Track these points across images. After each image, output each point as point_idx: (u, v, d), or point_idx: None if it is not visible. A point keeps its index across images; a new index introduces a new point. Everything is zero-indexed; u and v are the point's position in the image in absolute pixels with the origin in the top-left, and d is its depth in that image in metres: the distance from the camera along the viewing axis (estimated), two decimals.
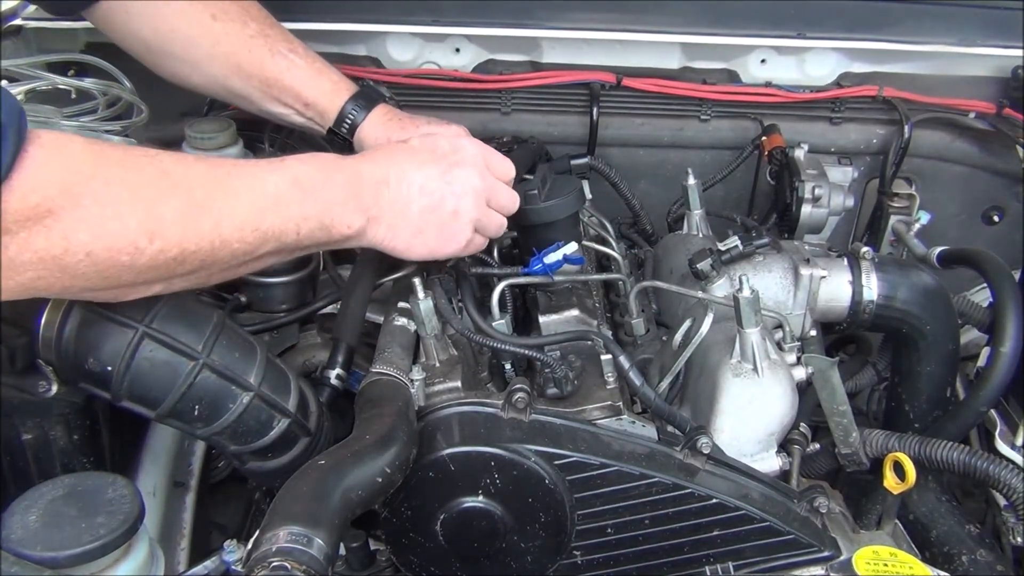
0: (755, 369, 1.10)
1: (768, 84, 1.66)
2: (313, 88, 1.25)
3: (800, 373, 1.16)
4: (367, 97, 1.27)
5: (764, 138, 1.65)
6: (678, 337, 1.19)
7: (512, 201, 1.15)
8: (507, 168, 1.15)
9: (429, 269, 1.23)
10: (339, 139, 1.27)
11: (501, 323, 1.18)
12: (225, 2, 1.22)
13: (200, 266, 0.87)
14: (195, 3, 1.20)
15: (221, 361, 0.96)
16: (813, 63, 1.64)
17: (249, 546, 0.83)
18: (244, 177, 0.91)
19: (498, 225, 1.14)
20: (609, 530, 1.09)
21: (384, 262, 1.27)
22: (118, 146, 0.84)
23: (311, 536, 0.80)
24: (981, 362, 1.32)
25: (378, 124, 1.26)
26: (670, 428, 1.11)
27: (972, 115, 1.66)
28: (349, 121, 1.25)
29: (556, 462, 1.05)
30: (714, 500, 1.06)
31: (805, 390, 1.20)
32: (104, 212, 0.77)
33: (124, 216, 0.79)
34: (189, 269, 0.86)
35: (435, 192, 1.05)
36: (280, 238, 0.92)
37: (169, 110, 1.51)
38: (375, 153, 1.08)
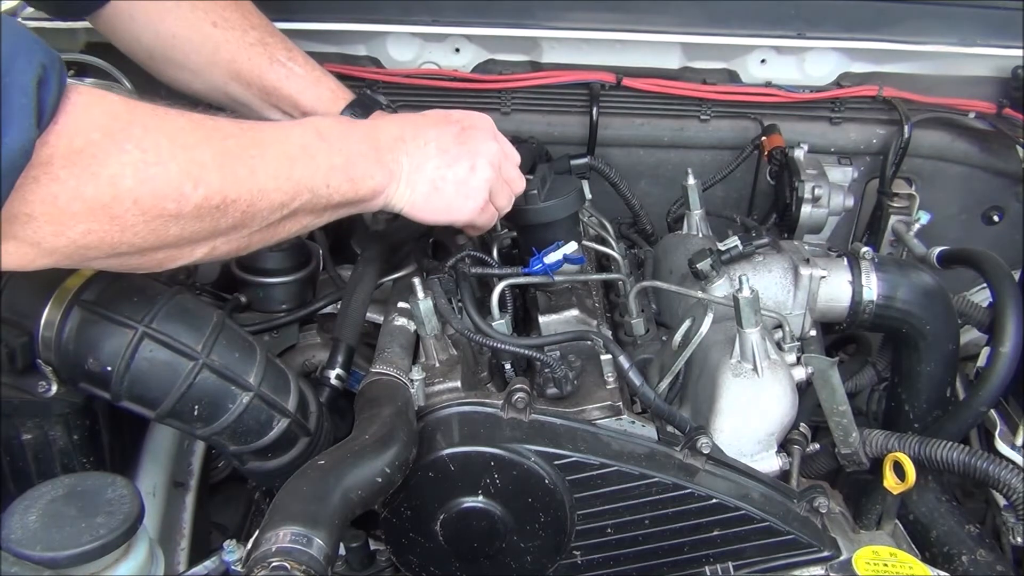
0: (755, 369, 1.10)
1: (768, 84, 1.66)
2: (311, 96, 1.26)
3: (800, 373, 1.16)
4: (363, 105, 1.28)
5: (764, 138, 1.65)
6: (678, 337, 1.19)
7: (519, 179, 1.17)
8: (513, 150, 1.17)
9: (429, 269, 1.23)
10: None
11: (501, 323, 1.18)
12: (226, 10, 1.22)
13: (242, 219, 0.87)
14: (197, 10, 1.21)
15: (221, 361, 0.96)
16: (813, 63, 1.64)
17: (249, 546, 0.83)
18: (270, 130, 0.93)
19: (508, 197, 1.16)
20: (609, 530, 1.09)
21: (386, 262, 1.27)
22: (147, 102, 0.85)
23: (311, 536, 0.80)
24: (981, 362, 1.32)
25: None
26: (670, 428, 1.11)
27: (972, 115, 1.66)
28: None
29: (556, 462, 1.05)
30: (714, 500, 1.06)
31: (805, 390, 1.20)
32: (147, 157, 0.78)
33: (165, 161, 0.79)
34: (232, 223, 0.86)
35: (450, 150, 1.07)
36: (312, 189, 0.94)
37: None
38: (389, 118, 1.10)
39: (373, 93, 1.36)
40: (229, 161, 0.85)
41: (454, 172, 1.07)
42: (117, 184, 0.76)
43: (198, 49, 1.22)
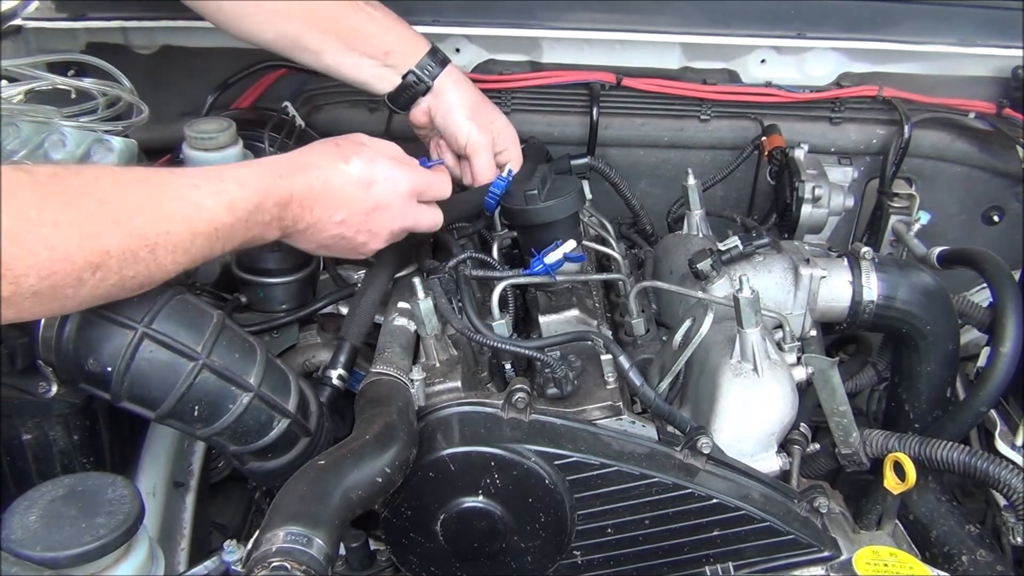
0: (755, 369, 1.10)
1: (768, 84, 1.66)
2: (394, 37, 1.30)
3: (800, 373, 1.16)
4: (438, 59, 1.33)
5: (764, 138, 1.65)
6: (678, 337, 1.19)
7: (435, 219, 1.19)
8: (441, 191, 1.19)
9: (430, 270, 1.23)
10: (405, 95, 1.33)
11: (501, 324, 1.18)
12: None
13: (136, 287, 0.89)
14: None
15: (221, 361, 0.96)
16: (813, 63, 1.64)
17: (249, 546, 0.83)
18: (182, 201, 0.91)
19: (431, 222, 1.19)
20: (609, 530, 1.09)
21: (401, 265, 1.27)
22: (58, 177, 0.84)
23: (311, 536, 0.80)
24: (981, 362, 1.32)
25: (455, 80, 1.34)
26: (670, 428, 1.11)
27: (972, 115, 1.67)
28: (429, 70, 1.31)
29: (556, 462, 1.05)
30: (714, 500, 1.06)
31: (805, 390, 1.20)
32: (54, 255, 0.79)
33: (72, 255, 0.80)
34: (127, 290, 0.88)
35: (352, 226, 1.09)
36: (207, 257, 0.95)
37: (169, 110, 1.51)
38: (313, 168, 1.06)
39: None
40: (133, 244, 0.85)
41: (346, 243, 1.11)
42: (20, 283, 0.77)
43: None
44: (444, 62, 1.33)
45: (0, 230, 0.75)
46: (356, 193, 1.08)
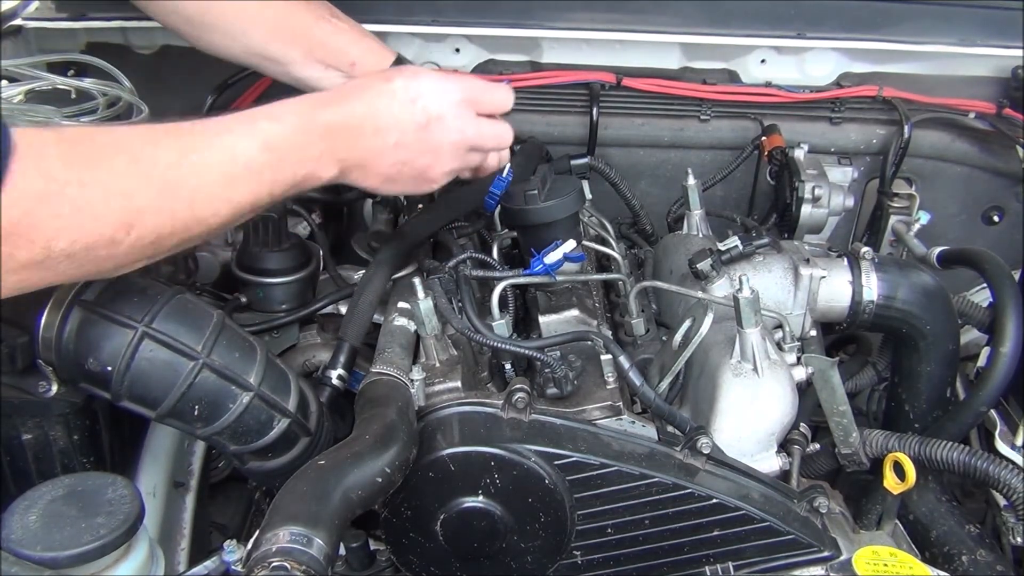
0: (755, 369, 1.10)
1: (768, 84, 1.66)
2: (360, 49, 1.29)
3: (800, 373, 1.16)
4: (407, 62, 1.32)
5: (764, 138, 1.65)
6: (678, 337, 1.19)
7: (499, 132, 1.13)
8: (500, 100, 1.14)
9: (430, 270, 1.23)
10: None
11: (501, 324, 1.18)
12: None
13: (178, 244, 0.87)
14: None
15: (221, 361, 0.96)
16: (813, 63, 1.64)
17: (249, 546, 0.83)
18: (215, 149, 0.89)
19: (496, 142, 1.14)
20: (609, 530, 1.09)
21: (400, 265, 1.27)
22: (86, 136, 0.82)
23: (311, 536, 0.80)
24: (981, 362, 1.32)
25: None
26: (670, 428, 1.12)
27: (972, 115, 1.67)
28: None
29: (556, 462, 1.05)
30: (714, 500, 1.06)
31: (805, 390, 1.20)
32: (82, 216, 0.77)
33: (102, 215, 0.79)
34: (167, 248, 0.86)
35: (409, 147, 1.04)
36: (254, 204, 0.92)
37: (169, 110, 1.51)
38: (355, 94, 1.03)
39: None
40: (167, 199, 0.83)
41: (410, 168, 1.06)
42: (52, 247, 0.76)
43: (239, 12, 1.24)
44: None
45: (28, 193, 0.73)
46: (405, 110, 1.03)
